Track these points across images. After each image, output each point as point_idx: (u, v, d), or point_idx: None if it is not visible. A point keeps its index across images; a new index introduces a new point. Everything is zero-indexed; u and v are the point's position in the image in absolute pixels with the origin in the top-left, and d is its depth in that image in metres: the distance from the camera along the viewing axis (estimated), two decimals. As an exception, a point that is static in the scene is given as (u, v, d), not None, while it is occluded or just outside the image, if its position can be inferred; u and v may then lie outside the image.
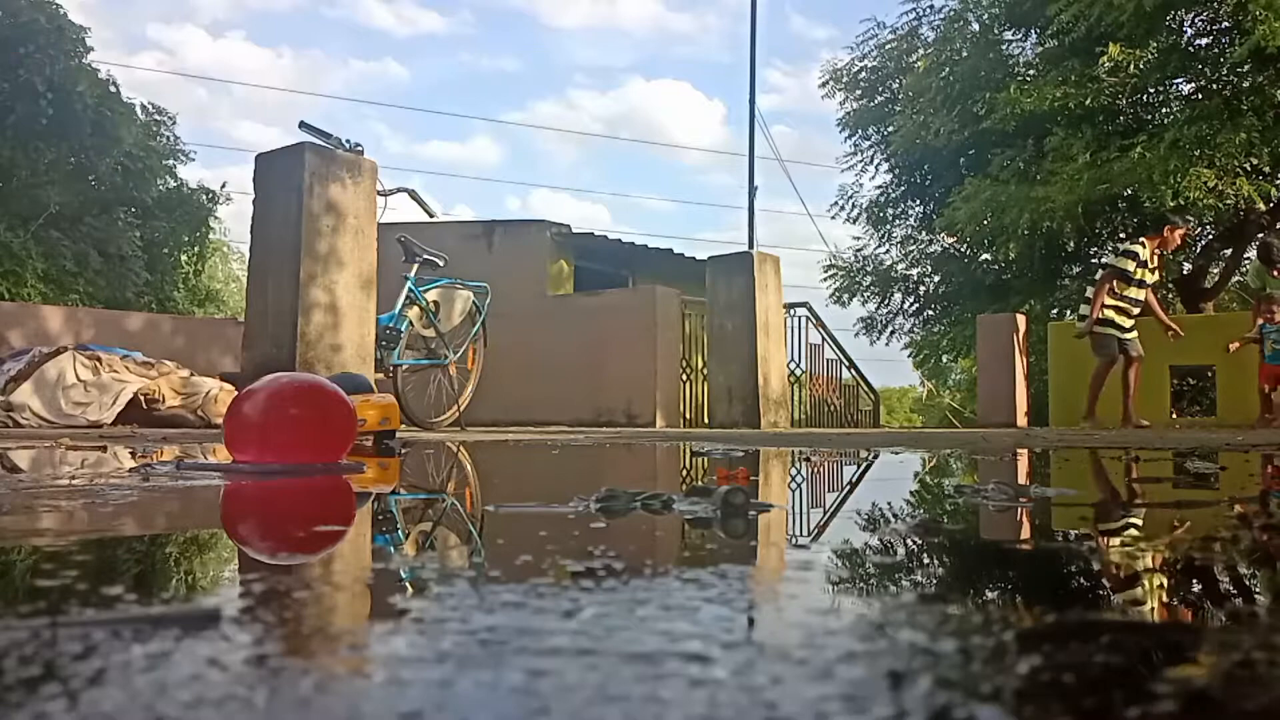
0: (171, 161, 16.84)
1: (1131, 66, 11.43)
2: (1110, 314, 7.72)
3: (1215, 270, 14.05)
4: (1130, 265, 7.59)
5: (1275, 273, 8.10)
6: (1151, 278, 7.74)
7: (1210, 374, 9.17)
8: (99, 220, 14.52)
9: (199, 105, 77.31)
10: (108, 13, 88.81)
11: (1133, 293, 7.66)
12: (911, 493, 1.79)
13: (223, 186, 17.79)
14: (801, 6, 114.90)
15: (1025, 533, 1.15)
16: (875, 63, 16.62)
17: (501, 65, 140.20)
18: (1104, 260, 8.26)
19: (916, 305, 16.94)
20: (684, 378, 10.17)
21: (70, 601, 0.59)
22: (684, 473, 2.36)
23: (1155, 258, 7.71)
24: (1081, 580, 0.80)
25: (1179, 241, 7.78)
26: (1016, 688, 0.42)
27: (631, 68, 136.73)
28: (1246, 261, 15.23)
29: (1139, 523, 1.26)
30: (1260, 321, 7.99)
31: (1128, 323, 7.74)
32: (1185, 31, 12.25)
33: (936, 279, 16.46)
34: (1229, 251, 13.74)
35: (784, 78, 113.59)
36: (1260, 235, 9.88)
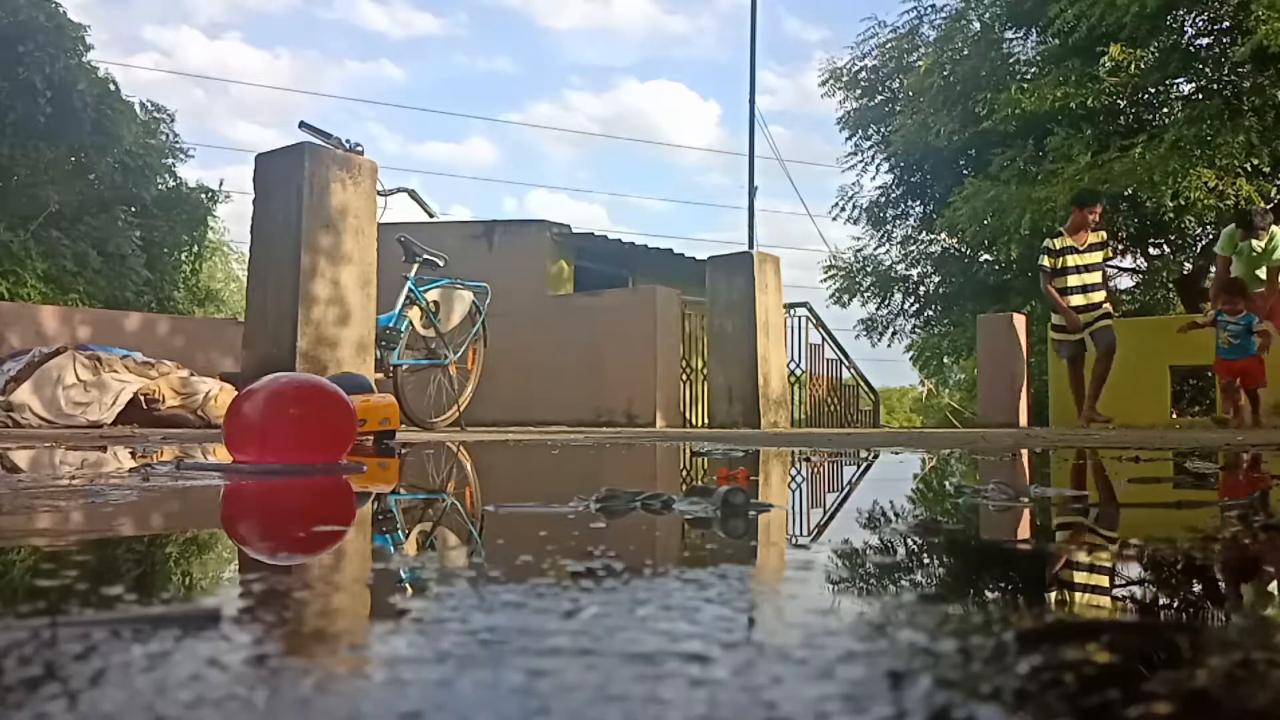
0: (170, 160, 16.84)
1: (1132, 66, 11.43)
2: (1055, 318, 7.81)
3: (1215, 271, 14.03)
4: (1045, 261, 7.62)
5: (1255, 239, 7.49)
6: (1082, 259, 7.59)
7: (1210, 374, 9.15)
8: (98, 219, 14.51)
9: (196, 106, 77.48)
10: (104, 14, 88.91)
11: (1072, 281, 7.55)
12: (911, 493, 1.79)
13: (220, 185, 17.79)
14: (795, 8, 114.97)
15: (1025, 533, 1.15)
16: (875, 62, 16.63)
17: (496, 66, 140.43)
18: None
19: (917, 306, 16.95)
20: (684, 378, 10.17)
21: (70, 601, 0.59)
22: (684, 473, 2.36)
23: (1080, 240, 7.57)
24: (1081, 580, 0.80)
25: (1095, 220, 7.56)
26: (1016, 688, 0.42)
27: (626, 69, 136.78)
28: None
29: (1138, 522, 1.26)
30: (1218, 309, 7.59)
31: (1083, 317, 7.62)
32: (1186, 31, 12.26)
33: (937, 279, 16.47)
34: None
35: (777, 79, 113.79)
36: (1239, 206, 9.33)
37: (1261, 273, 7.55)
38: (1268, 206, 11.66)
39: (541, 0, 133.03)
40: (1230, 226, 7.88)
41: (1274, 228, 7.49)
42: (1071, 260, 7.59)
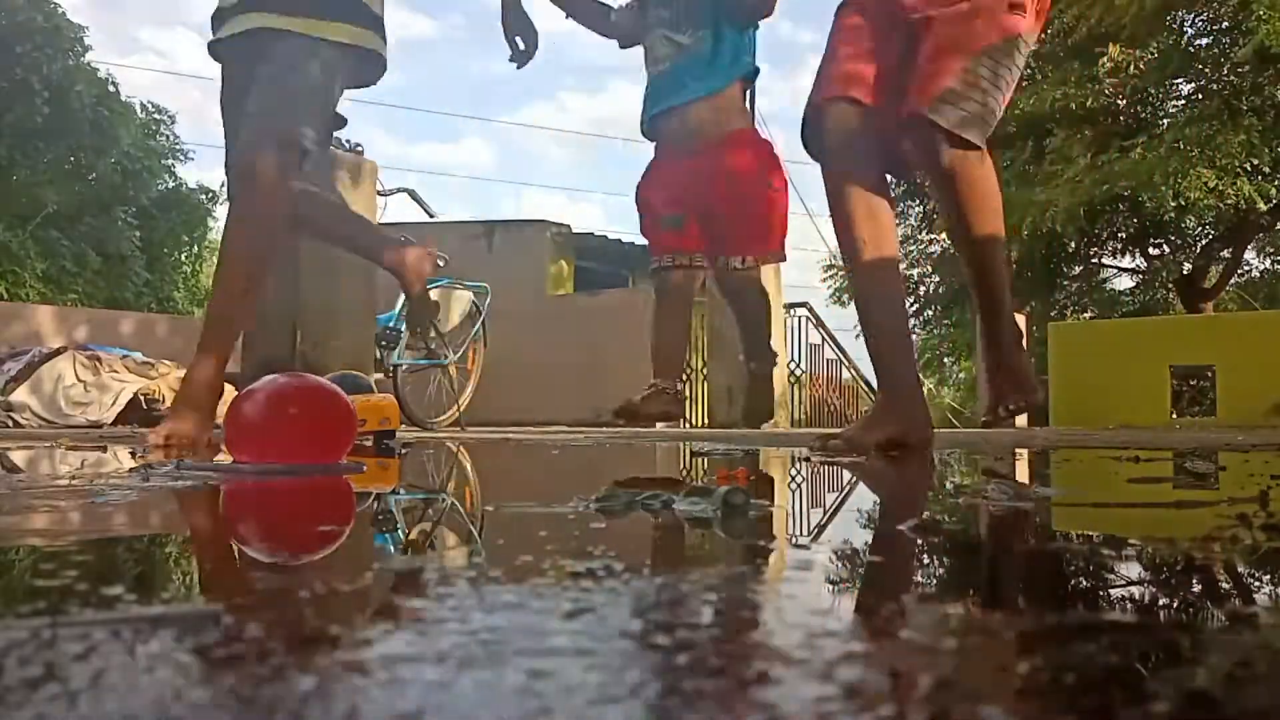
0: (170, 161, 16.85)
1: (1132, 67, 11.44)
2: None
3: (1215, 270, 14.04)
4: None
5: None
6: None
7: (1210, 374, 9.15)
8: (98, 220, 14.53)
9: (193, 107, 77.33)
10: (101, 15, 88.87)
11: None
12: (911, 492, 1.79)
13: (221, 185, 17.79)
14: (789, 10, 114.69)
15: (1025, 533, 1.15)
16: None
17: (492, 68, 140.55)
18: None
19: (917, 306, 16.96)
20: (684, 378, 10.16)
21: (70, 601, 0.59)
22: (684, 473, 2.36)
23: None
24: (1081, 580, 0.80)
25: None
26: (1016, 688, 0.42)
27: (622, 70, 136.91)
28: (1247, 263, 15.24)
29: (1138, 522, 1.26)
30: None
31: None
32: (1186, 32, 12.27)
33: (937, 279, 16.46)
34: (1229, 251, 13.73)
35: (772, 80, 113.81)
36: None
37: None
38: (1268, 207, 11.59)
39: (535, 2, 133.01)
40: None
41: None
42: None
